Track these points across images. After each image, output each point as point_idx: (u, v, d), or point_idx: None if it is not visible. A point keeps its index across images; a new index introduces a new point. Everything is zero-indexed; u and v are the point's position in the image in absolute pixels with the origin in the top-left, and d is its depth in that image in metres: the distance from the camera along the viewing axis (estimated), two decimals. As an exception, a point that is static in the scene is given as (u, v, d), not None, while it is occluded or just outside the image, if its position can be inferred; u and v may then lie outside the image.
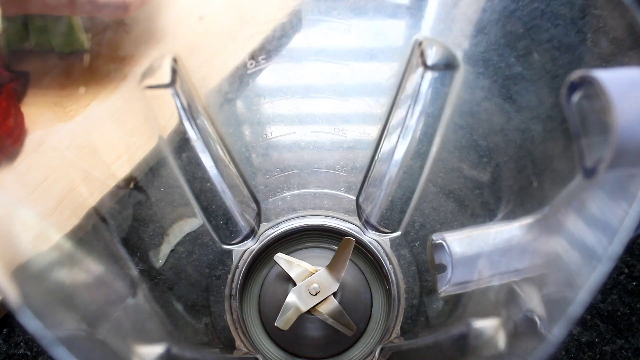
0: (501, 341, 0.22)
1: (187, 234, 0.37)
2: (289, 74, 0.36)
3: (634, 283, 0.42)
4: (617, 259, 0.15)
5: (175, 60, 0.30)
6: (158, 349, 0.23)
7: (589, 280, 0.15)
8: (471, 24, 0.27)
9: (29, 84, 0.29)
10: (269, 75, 0.35)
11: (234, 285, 0.40)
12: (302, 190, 0.44)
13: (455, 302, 0.31)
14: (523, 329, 0.22)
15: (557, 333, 0.15)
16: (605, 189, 0.19)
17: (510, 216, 0.28)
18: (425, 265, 0.38)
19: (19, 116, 0.30)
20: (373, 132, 0.37)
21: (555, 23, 0.23)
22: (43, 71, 0.29)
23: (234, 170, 0.38)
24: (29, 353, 0.40)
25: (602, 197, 0.20)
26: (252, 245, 0.42)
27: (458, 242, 0.32)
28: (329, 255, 0.40)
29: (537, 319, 0.21)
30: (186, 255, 0.37)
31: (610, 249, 0.16)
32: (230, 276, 0.40)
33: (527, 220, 0.27)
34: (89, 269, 0.27)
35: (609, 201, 0.19)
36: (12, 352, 0.40)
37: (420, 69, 0.32)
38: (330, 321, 0.37)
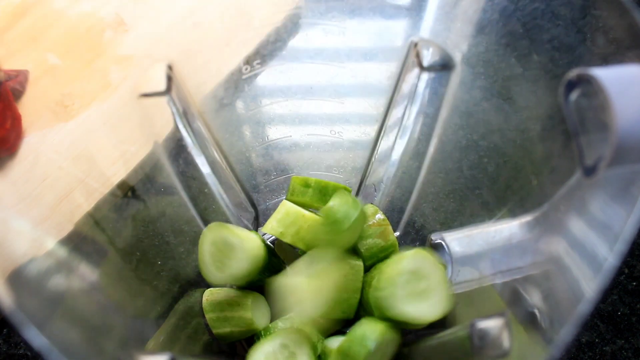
0: (506, 341, 0.22)
1: (187, 234, 0.37)
2: (286, 77, 0.35)
3: (634, 283, 0.42)
4: (623, 256, 0.15)
5: (170, 68, 0.30)
6: (161, 358, 0.22)
7: (599, 277, 0.15)
8: (471, 24, 0.27)
9: (28, 83, 0.28)
10: (266, 78, 0.35)
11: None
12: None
13: (457, 302, 0.31)
14: (523, 323, 0.22)
15: (564, 333, 0.15)
16: (607, 189, 0.19)
17: (510, 215, 0.28)
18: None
19: (16, 119, 0.29)
20: (371, 132, 0.37)
21: (555, 23, 0.23)
22: (43, 69, 0.28)
23: (230, 174, 0.38)
24: (29, 353, 0.40)
25: (603, 197, 0.20)
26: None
27: (457, 241, 0.32)
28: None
29: (537, 313, 0.21)
30: (186, 256, 0.36)
31: (617, 246, 0.16)
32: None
33: (527, 219, 0.27)
34: (85, 276, 0.26)
35: (610, 201, 0.19)
36: (12, 352, 0.40)
37: (417, 70, 0.32)
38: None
